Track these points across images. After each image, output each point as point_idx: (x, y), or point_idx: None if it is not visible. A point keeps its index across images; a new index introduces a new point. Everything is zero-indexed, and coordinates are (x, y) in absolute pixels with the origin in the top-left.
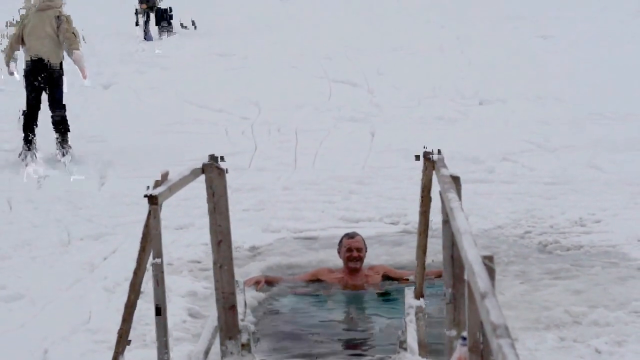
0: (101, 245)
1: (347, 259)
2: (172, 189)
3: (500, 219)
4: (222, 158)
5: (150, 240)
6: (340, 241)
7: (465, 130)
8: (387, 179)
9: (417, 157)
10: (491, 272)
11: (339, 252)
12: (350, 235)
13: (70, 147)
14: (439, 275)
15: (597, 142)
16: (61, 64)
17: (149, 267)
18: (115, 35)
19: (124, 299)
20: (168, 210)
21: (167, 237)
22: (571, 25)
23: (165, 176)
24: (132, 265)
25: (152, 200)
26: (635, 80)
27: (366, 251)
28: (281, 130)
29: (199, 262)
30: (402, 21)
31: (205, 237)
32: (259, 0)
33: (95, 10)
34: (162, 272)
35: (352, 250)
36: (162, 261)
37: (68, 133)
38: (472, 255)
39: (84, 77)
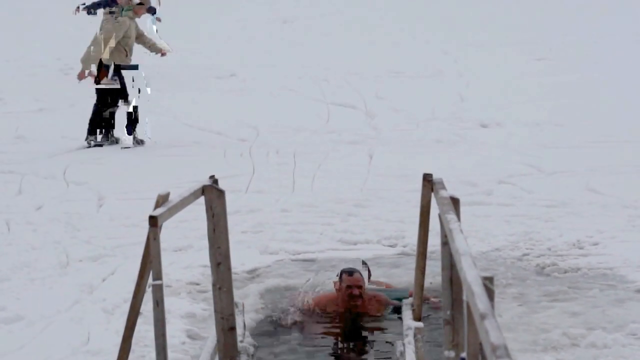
0: (100, 267)
1: (348, 297)
2: (172, 210)
3: (498, 242)
4: (216, 181)
5: (149, 261)
6: (340, 276)
7: (464, 153)
8: (385, 202)
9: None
10: (490, 293)
11: (339, 284)
12: (349, 272)
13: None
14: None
15: (595, 166)
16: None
17: (147, 288)
18: None
19: (123, 320)
20: (166, 232)
21: (166, 259)
22: (570, 48)
23: (165, 197)
24: (131, 286)
25: (152, 221)
26: (634, 105)
27: (365, 282)
28: (279, 152)
29: (197, 284)
30: (401, 44)
31: (204, 259)
32: (259, 23)
33: None
34: (162, 293)
35: (352, 287)
36: (162, 282)
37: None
38: (471, 276)
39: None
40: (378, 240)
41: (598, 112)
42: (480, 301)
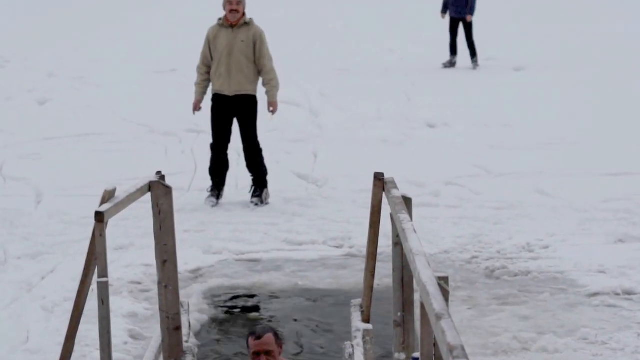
0: (39, 264)
1: None
2: (118, 207)
3: (447, 244)
4: (162, 178)
5: (95, 258)
6: (247, 340)
7: (410, 154)
8: (330, 202)
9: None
10: (445, 294)
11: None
12: (257, 335)
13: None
14: None
15: (543, 168)
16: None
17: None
18: None
19: (63, 319)
20: (107, 230)
21: (107, 257)
22: (518, 50)
23: (111, 193)
24: (71, 285)
25: (98, 217)
26: (582, 107)
27: (281, 347)
28: None
29: (139, 283)
30: (347, 41)
31: (146, 257)
32: (198, 19)
33: None
34: (108, 291)
35: (259, 354)
36: (107, 280)
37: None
38: (426, 276)
39: None
40: (324, 241)
41: (546, 114)
42: (435, 301)
